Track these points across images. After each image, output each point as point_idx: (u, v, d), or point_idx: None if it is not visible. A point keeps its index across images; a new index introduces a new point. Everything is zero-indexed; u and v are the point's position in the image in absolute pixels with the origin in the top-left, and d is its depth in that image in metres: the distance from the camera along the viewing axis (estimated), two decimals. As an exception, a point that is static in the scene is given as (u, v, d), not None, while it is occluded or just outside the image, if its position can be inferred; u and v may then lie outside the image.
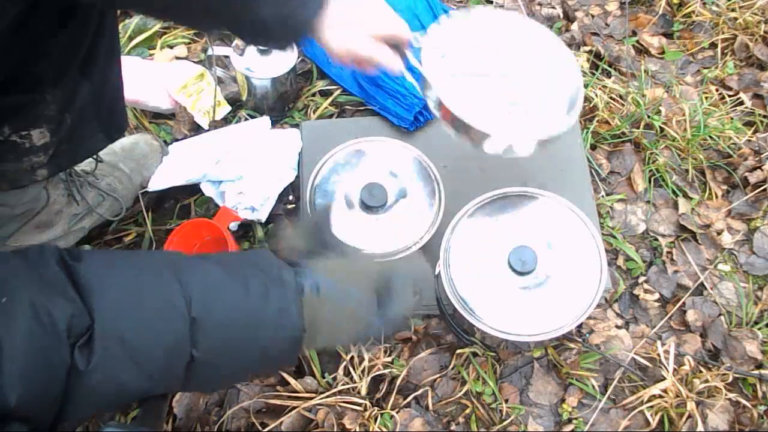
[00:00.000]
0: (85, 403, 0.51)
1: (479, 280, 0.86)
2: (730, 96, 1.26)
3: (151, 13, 0.88)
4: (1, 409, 0.45)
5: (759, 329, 1.02)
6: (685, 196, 1.15)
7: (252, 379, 0.95)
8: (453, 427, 0.97)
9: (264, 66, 1.16)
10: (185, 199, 1.16)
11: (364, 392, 0.98)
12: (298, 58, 1.22)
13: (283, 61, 1.16)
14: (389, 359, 1.01)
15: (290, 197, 1.15)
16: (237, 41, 1.17)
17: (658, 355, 1.00)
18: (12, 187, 0.85)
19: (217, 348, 0.56)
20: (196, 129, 1.23)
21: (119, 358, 0.51)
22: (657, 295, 1.07)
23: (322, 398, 0.96)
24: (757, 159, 1.17)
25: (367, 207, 0.93)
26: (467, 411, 0.98)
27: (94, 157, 1.06)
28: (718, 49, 1.32)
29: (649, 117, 1.20)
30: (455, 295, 0.86)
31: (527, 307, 0.84)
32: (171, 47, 1.33)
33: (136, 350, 0.52)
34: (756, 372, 0.99)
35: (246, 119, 1.23)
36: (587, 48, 1.33)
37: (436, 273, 0.89)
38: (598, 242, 0.87)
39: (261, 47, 1.12)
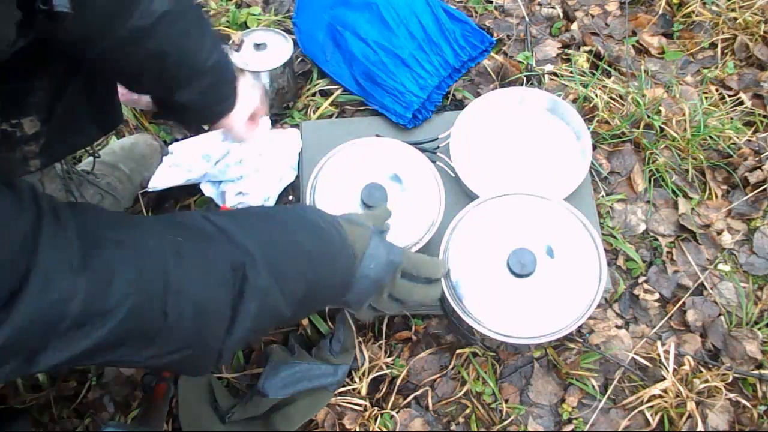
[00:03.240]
0: (244, 326, 0.60)
1: (478, 282, 0.86)
2: (730, 96, 1.26)
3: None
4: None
5: (759, 329, 1.02)
6: (685, 196, 1.15)
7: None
8: (453, 427, 0.97)
9: (259, 60, 1.16)
10: (185, 199, 1.17)
11: (364, 392, 0.98)
12: (297, 56, 1.22)
13: (279, 55, 1.16)
14: (389, 359, 1.01)
15: (290, 197, 1.15)
16: (234, 39, 1.17)
17: (658, 355, 1.00)
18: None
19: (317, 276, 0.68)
20: (196, 129, 1.23)
21: (272, 289, 0.62)
22: (657, 295, 1.07)
23: (322, 398, 0.96)
24: (757, 159, 1.17)
25: (367, 207, 0.93)
26: (467, 411, 0.98)
27: (91, 153, 1.06)
28: (718, 49, 1.32)
29: (649, 117, 1.20)
30: (454, 297, 0.86)
31: (527, 308, 0.84)
32: (171, 47, 1.33)
33: (284, 281, 0.63)
34: (756, 372, 0.99)
35: (246, 119, 1.23)
36: (587, 48, 1.33)
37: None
38: (597, 242, 0.87)
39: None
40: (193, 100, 0.81)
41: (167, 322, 0.54)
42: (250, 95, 0.93)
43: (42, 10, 0.55)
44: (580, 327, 1.03)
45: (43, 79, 0.74)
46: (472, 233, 0.89)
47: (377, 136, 1.11)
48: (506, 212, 0.90)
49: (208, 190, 1.10)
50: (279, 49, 1.17)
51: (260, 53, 1.17)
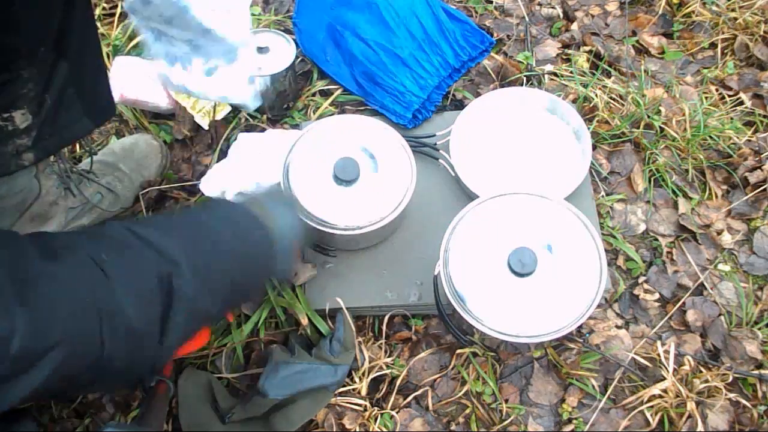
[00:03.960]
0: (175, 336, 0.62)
1: (478, 281, 0.86)
2: (730, 96, 1.26)
3: None
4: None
5: (759, 329, 1.02)
6: (685, 196, 1.15)
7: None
8: (453, 427, 0.97)
9: (262, 64, 1.16)
10: (185, 200, 1.17)
11: (364, 392, 0.98)
12: (297, 56, 1.22)
13: (282, 58, 1.16)
14: (389, 359, 1.01)
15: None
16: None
17: (658, 355, 1.00)
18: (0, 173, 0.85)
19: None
20: (196, 129, 1.23)
21: (199, 294, 0.64)
22: (657, 295, 1.07)
23: (322, 398, 0.96)
24: (757, 159, 1.17)
25: (339, 180, 0.94)
26: (467, 411, 0.98)
27: (89, 151, 1.05)
28: (718, 49, 1.32)
29: (649, 117, 1.20)
30: (454, 296, 0.86)
31: (527, 307, 0.84)
32: (171, 47, 1.33)
33: (210, 282, 0.66)
34: (756, 372, 0.99)
35: (246, 119, 1.23)
36: (587, 48, 1.33)
37: (436, 273, 0.89)
38: (598, 242, 0.87)
39: None
40: None
41: (105, 350, 0.55)
42: None
43: None
44: (580, 327, 1.03)
45: (30, 68, 0.74)
46: (472, 233, 0.89)
47: (343, 111, 1.11)
48: (506, 212, 0.90)
49: (208, 189, 1.10)
50: (282, 52, 1.17)
51: (263, 56, 1.16)
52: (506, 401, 0.98)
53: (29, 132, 0.79)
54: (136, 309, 0.58)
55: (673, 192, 1.15)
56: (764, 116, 1.23)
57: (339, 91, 1.25)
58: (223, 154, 1.15)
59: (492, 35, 1.32)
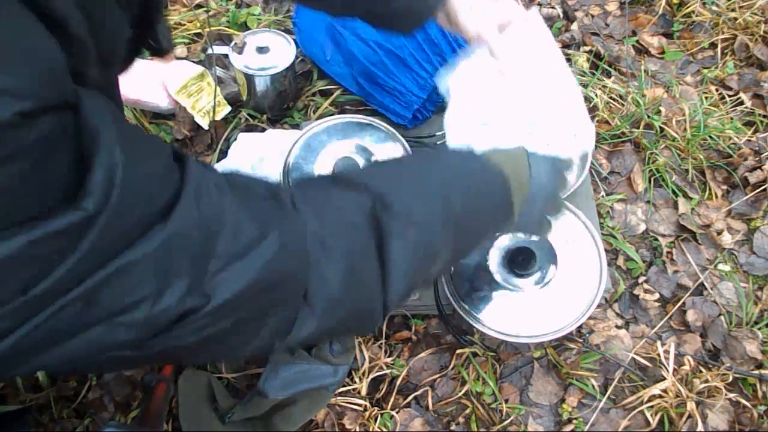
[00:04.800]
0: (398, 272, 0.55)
1: (478, 281, 0.86)
2: (730, 96, 1.26)
3: None
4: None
5: (759, 329, 1.02)
6: (685, 196, 1.15)
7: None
8: (453, 427, 0.97)
9: (262, 64, 1.16)
10: (185, 199, 1.16)
11: (364, 392, 0.98)
12: (297, 56, 1.22)
13: (282, 58, 1.16)
14: (389, 359, 1.01)
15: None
16: (236, 40, 1.17)
17: (658, 355, 1.00)
18: None
19: (464, 209, 0.61)
20: (196, 129, 1.23)
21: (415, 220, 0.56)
22: (657, 295, 1.07)
23: (322, 398, 0.96)
24: (757, 159, 1.17)
25: None
26: (467, 411, 0.98)
27: None
28: (718, 49, 1.32)
29: (649, 117, 1.20)
30: (454, 296, 0.86)
31: (527, 308, 0.84)
32: (171, 47, 1.33)
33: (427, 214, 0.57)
34: (756, 372, 0.99)
35: (246, 119, 1.23)
36: (587, 48, 1.33)
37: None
38: (598, 242, 0.87)
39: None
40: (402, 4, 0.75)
41: (320, 271, 0.51)
42: None
43: (150, 45, 0.58)
44: (580, 327, 1.03)
45: None
46: None
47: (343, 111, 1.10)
48: None
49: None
50: (282, 52, 1.17)
51: (263, 56, 1.16)
52: (506, 401, 0.98)
53: None
54: (347, 241, 0.53)
55: (673, 192, 1.15)
56: (764, 116, 1.23)
57: (339, 91, 1.25)
58: (223, 154, 1.15)
59: (492, 35, 1.32)
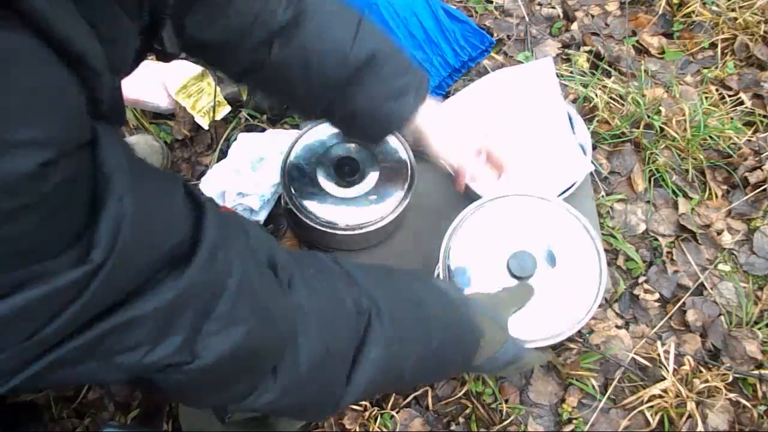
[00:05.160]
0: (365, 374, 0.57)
1: (478, 284, 0.86)
2: (730, 96, 1.26)
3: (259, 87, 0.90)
4: None
5: (759, 329, 1.02)
6: (685, 196, 1.15)
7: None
8: (453, 427, 0.97)
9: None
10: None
11: (364, 392, 0.98)
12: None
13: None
14: (389, 359, 1.01)
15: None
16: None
17: (658, 355, 1.00)
18: None
19: (438, 345, 0.64)
20: (196, 129, 1.23)
21: (395, 342, 0.59)
22: (657, 295, 1.07)
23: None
24: (757, 159, 1.17)
25: (340, 180, 0.95)
26: (467, 411, 0.98)
27: None
28: (718, 49, 1.32)
29: (649, 117, 1.20)
30: None
31: (526, 311, 0.84)
32: (171, 47, 1.33)
33: (408, 339, 0.60)
34: (756, 372, 0.99)
35: (246, 119, 1.23)
36: (587, 48, 1.33)
37: (435, 275, 0.89)
38: (598, 244, 0.86)
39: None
40: (356, 101, 0.75)
41: (295, 350, 0.52)
42: (466, 122, 0.84)
43: (156, 50, 0.58)
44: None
45: None
46: (472, 235, 0.89)
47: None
48: (506, 214, 0.90)
49: (208, 189, 1.10)
50: None
51: None
52: (506, 401, 0.98)
53: None
54: (333, 326, 0.55)
55: (673, 192, 1.15)
56: (764, 116, 1.23)
57: (339, 91, 1.25)
58: (223, 154, 1.15)
59: (492, 35, 1.32)
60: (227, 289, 0.47)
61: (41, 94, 0.33)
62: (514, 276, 0.85)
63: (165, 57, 0.61)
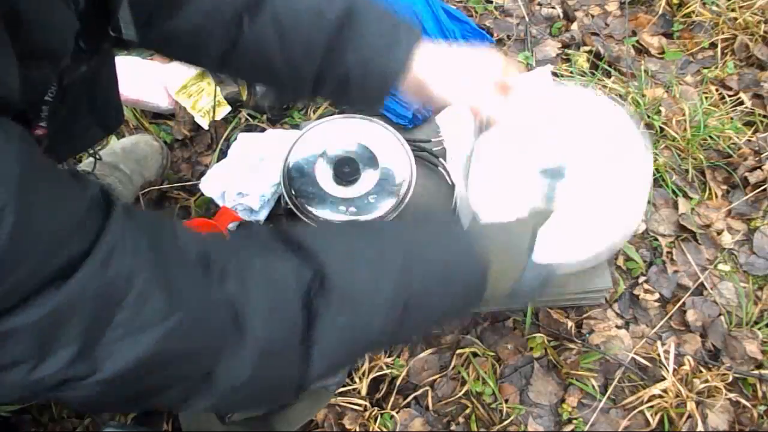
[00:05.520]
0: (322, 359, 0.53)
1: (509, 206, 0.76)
2: (730, 96, 1.26)
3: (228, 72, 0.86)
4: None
5: (759, 329, 1.02)
6: (685, 196, 1.15)
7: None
8: (453, 427, 0.97)
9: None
10: (185, 200, 1.17)
11: (364, 392, 0.98)
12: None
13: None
14: (389, 359, 1.01)
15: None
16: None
17: (658, 355, 1.00)
18: None
19: (421, 290, 0.57)
20: (196, 129, 1.23)
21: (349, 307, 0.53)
22: (657, 295, 1.07)
23: (322, 398, 0.96)
24: (757, 159, 1.17)
25: (339, 180, 0.95)
26: (467, 411, 0.98)
27: (92, 154, 1.06)
28: (718, 49, 1.32)
29: (649, 117, 1.20)
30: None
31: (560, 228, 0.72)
32: (171, 47, 1.33)
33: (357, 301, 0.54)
34: (756, 372, 0.99)
35: (246, 119, 1.23)
36: (587, 48, 1.33)
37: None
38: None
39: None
40: (345, 62, 0.69)
41: (230, 354, 0.49)
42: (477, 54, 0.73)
43: (112, 36, 0.57)
44: (580, 327, 1.03)
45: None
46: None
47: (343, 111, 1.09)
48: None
49: (208, 189, 1.10)
50: None
51: None
52: (506, 401, 0.98)
53: (40, 143, 0.79)
54: (271, 322, 0.50)
55: (673, 192, 1.15)
56: (764, 116, 1.23)
57: (339, 91, 1.25)
58: (223, 154, 1.15)
59: (492, 35, 1.32)
60: (129, 293, 0.44)
61: None
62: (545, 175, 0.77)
63: (122, 44, 0.60)
